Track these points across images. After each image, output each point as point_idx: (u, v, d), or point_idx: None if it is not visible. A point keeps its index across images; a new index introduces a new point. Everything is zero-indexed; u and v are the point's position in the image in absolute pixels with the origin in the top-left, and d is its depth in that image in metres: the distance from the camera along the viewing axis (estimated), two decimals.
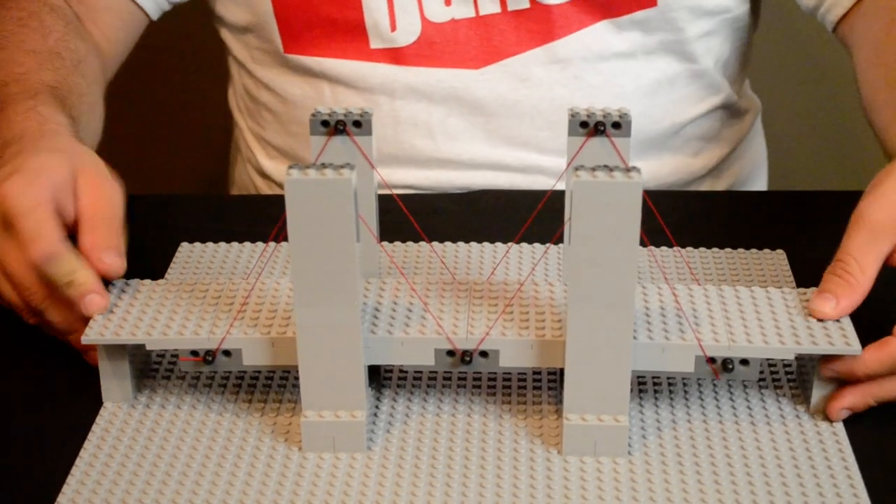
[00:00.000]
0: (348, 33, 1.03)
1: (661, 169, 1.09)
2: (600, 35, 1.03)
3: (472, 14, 1.02)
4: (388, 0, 1.01)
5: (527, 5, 1.01)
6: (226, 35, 1.13)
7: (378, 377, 0.75)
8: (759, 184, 1.22)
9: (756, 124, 1.21)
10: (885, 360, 0.71)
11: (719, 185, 1.14)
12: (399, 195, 0.78)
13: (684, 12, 1.03)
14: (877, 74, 0.94)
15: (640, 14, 1.02)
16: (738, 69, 1.13)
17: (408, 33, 1.02)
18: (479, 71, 1.03)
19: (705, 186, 1.13)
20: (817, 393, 0.72)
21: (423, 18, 1.02)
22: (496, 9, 1.02)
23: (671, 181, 1.10)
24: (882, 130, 0.91)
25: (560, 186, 0.77)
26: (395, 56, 1.03)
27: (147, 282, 0.76)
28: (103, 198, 0.76)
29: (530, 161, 1.05)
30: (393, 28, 1.02)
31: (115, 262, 0.74)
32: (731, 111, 1.13)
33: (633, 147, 0.74)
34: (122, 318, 0.73)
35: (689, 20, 1.04)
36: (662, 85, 1.06)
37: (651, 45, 1.04)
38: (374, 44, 1.03)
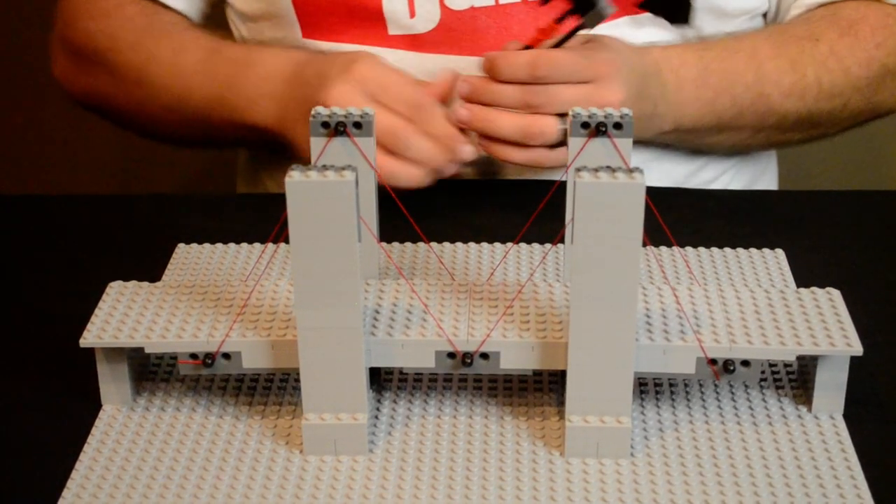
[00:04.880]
0: (367, 19, 1.03)
1: (673, 170, 1.09)
2: (620, 30, 1.03)
3: (491, 2, 1.02)
4: None
5: None
6: (237, 24, 1.13)
7: (378, 379, 0.75)
8: (770, 180, 1.22)
9: None
10: (524, 59, 0.88)
11: (729, 180, 1.14)
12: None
13: (704, 13, 1.04)
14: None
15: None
16: None
17: (427, 20, 1.03)
18: None
19: (716, 183, 1.13)
20: (819, 392, 0.72)
21: (443, 6, 1.02)
22: None
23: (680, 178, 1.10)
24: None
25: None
26: (414, 42, 1.03)
27: (145, 284, 0.76)
28: None
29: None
30: (412, 15, 1.02)
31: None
32: None
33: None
34: (120, 320, 0.72)
35: (709, 21, 1.05)
36: None
37: (670, 41, 1.04)
38: (393, 30, 1.03)
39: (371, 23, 1.03)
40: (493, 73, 0.91)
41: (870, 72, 1.04)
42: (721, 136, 1.05)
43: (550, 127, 0.90)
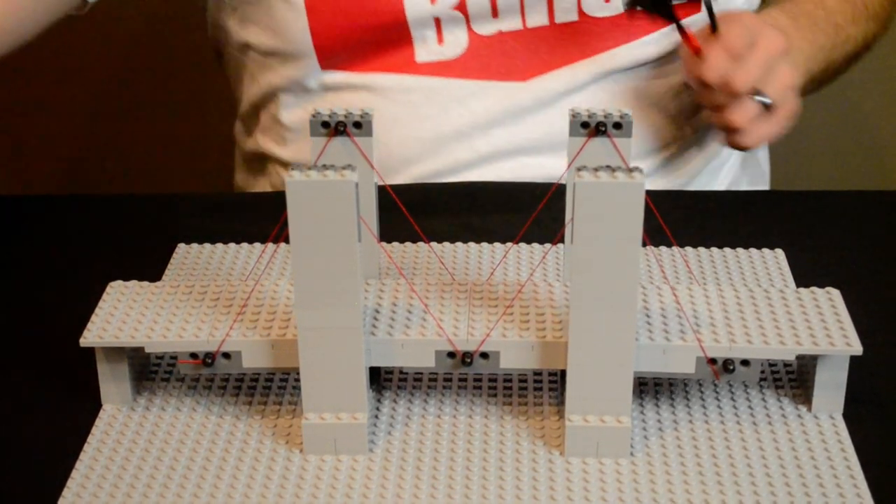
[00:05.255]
0: (394, 48, 1.03)
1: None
2: (647, 48, 1.05)
3: (519, 27, 1.02)
4: (434, 16, 1.01)
5: (575, 18, 1.02)
6: (253, 60, 1.10)
7: (378, 379, 0.75)
8: (761, 182, 1.23)
9: None
10: (722, 54, 0.94)
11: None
12: (393, 186, 0.78)
13: None
14: None
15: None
16: None
17: (455, 46, 1.02)
18: (526, 83, 1.04)
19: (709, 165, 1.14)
20: (818, 392, 0.72)
21: (471, 31, 1.02)
22: (544, 21, 1.02)
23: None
24: None
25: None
26: (443, 69, 1.03)
27: (145, 284, 0.76)
28: None
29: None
30: (440, 41, 1.02)
31: None
32: None
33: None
34: (120, 320, 0.72)
35: None
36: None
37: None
38: (421, 57, 1.03)
39: (398, 51, 1.03)
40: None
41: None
42: (827, 73, 1.11)
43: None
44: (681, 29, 0.97)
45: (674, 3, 0.97)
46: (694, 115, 1.10)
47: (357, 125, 0.73)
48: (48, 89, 1.76)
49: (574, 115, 0.73)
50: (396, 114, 1.04)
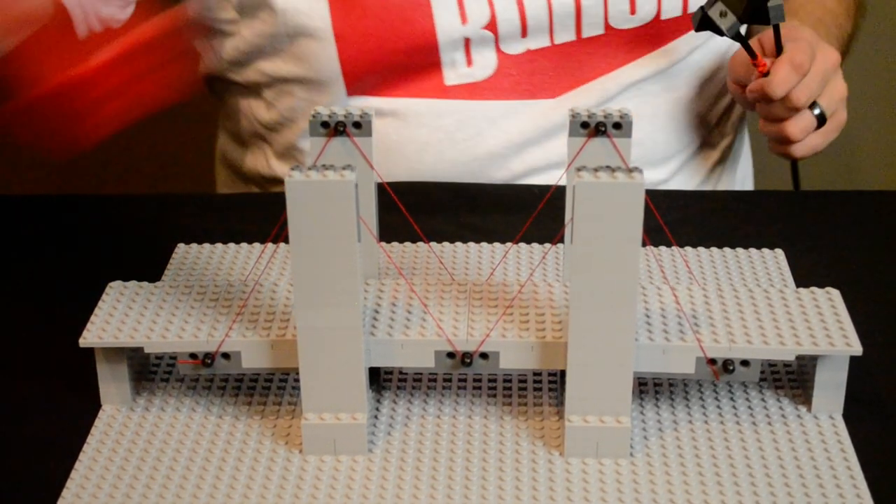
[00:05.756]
0: (423, 73, 1.03)
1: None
2: (671, 56, 1.06)
3: (547, 43, 1.03)
4: (464, 38, 1.01)
5: (601, 31, 1.03)
6: (270, 86, 1.08)
7: (378, 379, 0.75)
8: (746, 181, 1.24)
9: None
10: (791, 71, 0.96)
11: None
12: (392, 184, 0.78)
13: None
14: None
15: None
16: None
17: (484, 67, 1.02)
18: (556, 100, 1.05)
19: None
20: (818, 392, 0.72)
21: (499, 51, 1.02)
22: (571, 37, 1.03)
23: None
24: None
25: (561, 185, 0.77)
26: (472, 91, 1.03)
27: (145, 284, 0.76)
28: None
29: None
30: (469, 63, 1.02)
31: None
32: None
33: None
34: (120, 320, 0.72)
35: None
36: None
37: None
38: (450, 80, 1.03)
39: (428, 75, 1.03)
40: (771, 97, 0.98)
41: None
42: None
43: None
44: (749, 50, 0.98)
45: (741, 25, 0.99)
46: (724, 120, 1.13)
47: (357, 125, 0.73)
48: None
49: (574, 116, 0.73)
50: (428, 139, 1.04)
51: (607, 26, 1.03)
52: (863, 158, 1.80)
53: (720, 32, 0.97)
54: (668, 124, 1.08)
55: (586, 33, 1.03)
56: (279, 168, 1.12)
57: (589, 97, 1.05)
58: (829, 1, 1.13)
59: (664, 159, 1.09)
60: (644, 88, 1.07)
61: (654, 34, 1.05)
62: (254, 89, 1.09)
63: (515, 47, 1.02)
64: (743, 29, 1.04)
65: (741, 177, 1.21)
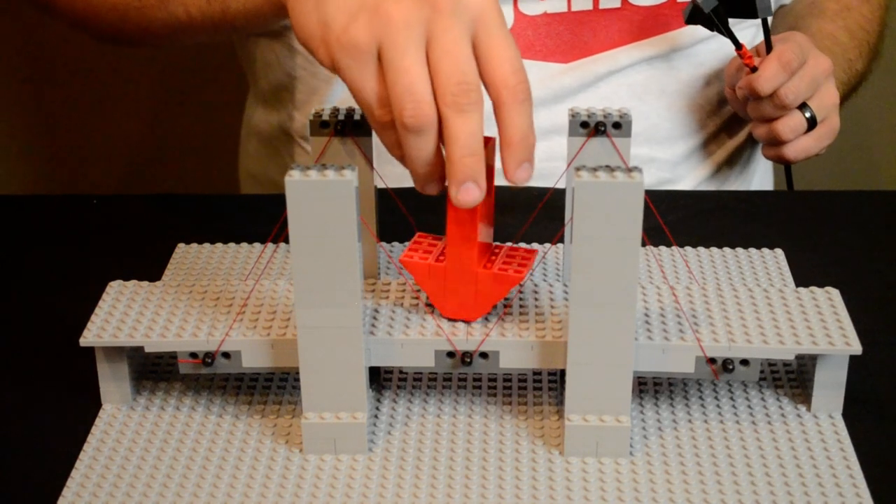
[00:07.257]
0: None
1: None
2: (683, 37, 1.08)
3: (564, 9, 1.05)
4: None
5: (618, 4, 1.06)
6: (281, 55, 1.11)
7: (378, 379, 0.75)
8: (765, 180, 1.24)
9: None
10: (779, 68, 0.98)
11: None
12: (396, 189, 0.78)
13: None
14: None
15: None
16: None
17: None
18: (568, 64, 1.06)
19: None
20: (818, 392, 0.72)
21: (517, 10, 1.05)
22: (588, 5, 1.05)
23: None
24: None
25: (560, 185, 0.77)
26: None
27: (145, 283, 0.76)
28: None
29: None
30: None
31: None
32: None
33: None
34: (120, 319, 0.72)
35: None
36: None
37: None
38: None
39: None
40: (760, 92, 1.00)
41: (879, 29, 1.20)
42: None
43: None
44: (737, 45, 1.00)
45: (730, 19, 1.00)
46: (732, 121, 1.15)
47: (357, 125, 0.73)
48: (48, 89, 1.76)
49: (573, 115, 0.73)
50: None
51: (624, 1, 1.05)
52: (881, 158, 1.79)
53: (709, 25, 0.97)
54: (675, 103, 1.10)
55: (603, 4, 1.05)
56: (299, 120, 1.14)
57: (599, 66, 1.07)
58: (842, 36, 1.15)
59: (668, 139, 1.10)
60: (654, 65, 1.09)
61: (669, 15, 1.07)
62: (276, 36, 1.11)
63: (533, 7, 1.05)
64: (740, 33, 1.05)
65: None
